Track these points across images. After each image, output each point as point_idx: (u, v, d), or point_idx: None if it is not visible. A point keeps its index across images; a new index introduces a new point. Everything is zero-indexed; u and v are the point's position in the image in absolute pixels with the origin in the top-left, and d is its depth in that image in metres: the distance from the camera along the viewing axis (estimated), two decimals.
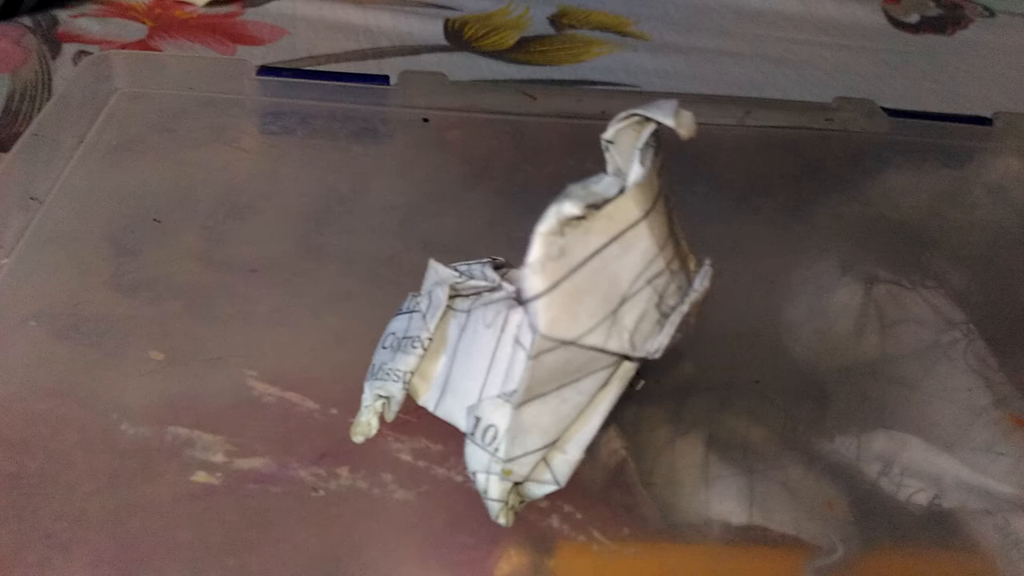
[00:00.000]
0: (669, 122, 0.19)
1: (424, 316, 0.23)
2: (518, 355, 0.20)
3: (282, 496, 0.23)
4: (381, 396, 0.24)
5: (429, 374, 0.23)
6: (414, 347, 0.23)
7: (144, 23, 0.51)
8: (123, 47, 0.48)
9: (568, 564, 0.22)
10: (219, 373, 0.26)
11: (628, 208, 0.18)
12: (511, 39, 0.53)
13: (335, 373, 0.26)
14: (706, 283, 0.20)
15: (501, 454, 0.21)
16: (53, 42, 0.48)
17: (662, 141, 0.20)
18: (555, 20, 0.56)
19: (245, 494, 0.22)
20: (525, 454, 0.21)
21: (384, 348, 0.24)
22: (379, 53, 0.50)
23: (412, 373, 0.23)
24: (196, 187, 0.33)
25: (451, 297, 0.23)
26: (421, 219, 0.33)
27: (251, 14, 0.53)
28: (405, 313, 0.24)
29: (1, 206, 0.30)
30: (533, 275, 0.18)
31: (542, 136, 0.38)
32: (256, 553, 0.22)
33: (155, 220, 0.31)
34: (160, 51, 0.48)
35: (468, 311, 0.23)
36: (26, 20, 0.50)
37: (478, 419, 0.21)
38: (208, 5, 0.53)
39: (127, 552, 0.21)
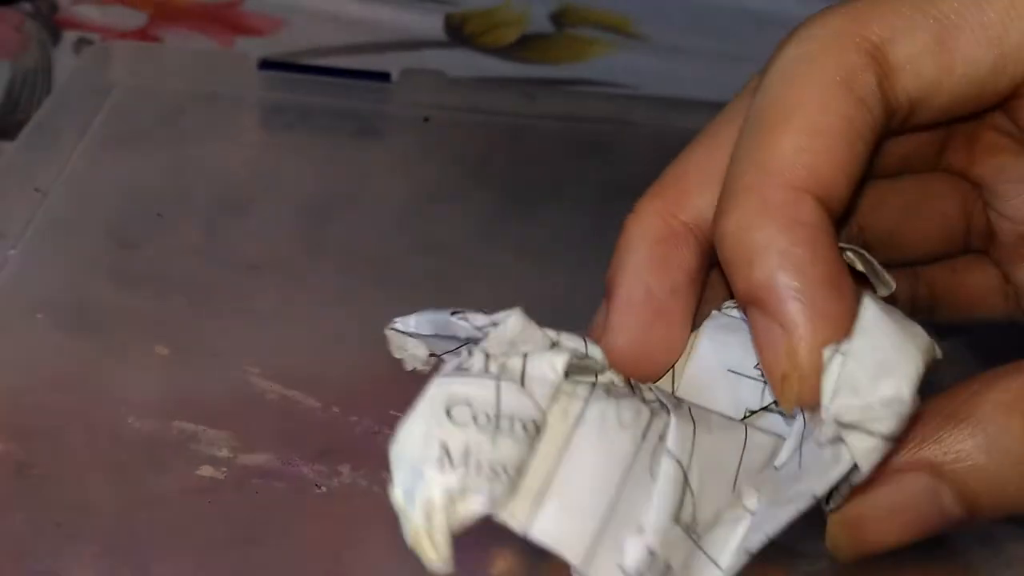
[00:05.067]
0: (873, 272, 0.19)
1: (520, 388, 0.17)
2: (669, 470, 0.17)
3: (285, 492, 0.23)
4: (451, 491, 0.16)
5: (520, 485, 0.16)
6: (525, 430, 0.16)
7: (144, 11, 0.51)
8: (123, 36, 0.48)
9: (564, 566, 0.23)
10: (223, 369, 0.26)
11: None
12: (511, 36, 0.54)
13: (336, 371, 0.26)
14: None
15: None
16: (53, 29, 0.48)
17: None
18: (556, 18, 0.56)
19: (249, 489, 0.23)
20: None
21: (456, 423, 0.16)
22: (379, 47, 0.51)
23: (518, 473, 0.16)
24: (197, 181, 0.33)
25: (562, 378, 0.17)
26: (420, 218, 0.33)
27: (251, 4, 0.53)
28: (480, 377, 0.17)
29: (7, 197, 0.31)
30: None
31: (541, 138, 0.39)
32: (260, 547, 0.22)
33: (158, 215, 0.31)
34: (160, 40, 0.48)
35: (586, 400, 0.17)
36: (26, 6, 0.49)
37: (652, 554, 0.16)
38: None
39: (134, 543, 0.22)
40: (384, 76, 0.39)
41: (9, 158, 0.32)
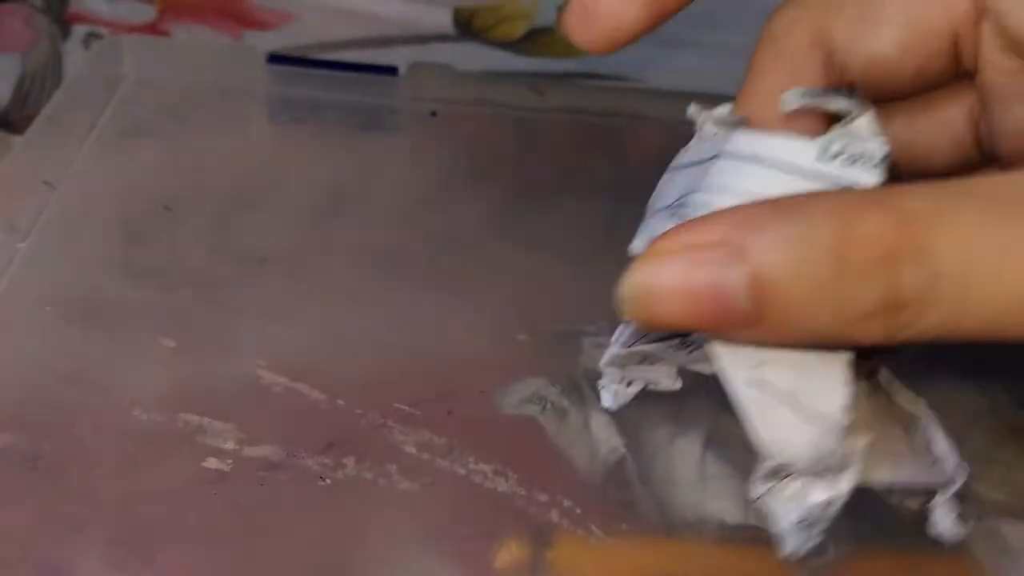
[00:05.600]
0: None
1: None
2: None
3: (290, 484, 0.23)
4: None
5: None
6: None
7: (153, 6, 0.51)
8: (132, 30, 0.48)
9: (566, 556, 0.23)
10: (229, 362, 0.26)
11: None
12: (520, 29, 0.53)
13: (342, 364, 0.27)
14: None
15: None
16: (62, 23, 0.48)
17: None
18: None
19: (255, 481, 0.23)
20: None
21: None
22: (387, 41, 0.51)
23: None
24: (206, 175, 0.33)
25: None
26: (429, 212, 0.33)
27: None
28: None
29: (16, 190, 0.31)
30: None
31: (549, 131, 0.39)
32: (265, 538, 0.22)
33: (166, 208, 0.31)
34: (169, 34, 0.49)
35: None
36: (36, 0, 0.50)
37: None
38: None
39: (140, 534, 0.22)
40: (392, 70, 0.39)
41: (18, 152, 0.33)
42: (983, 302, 0.16)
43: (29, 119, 0.40)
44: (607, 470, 0.25)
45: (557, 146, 0.38)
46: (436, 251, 0.32)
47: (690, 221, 0.17)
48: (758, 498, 0.20)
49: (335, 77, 0.39)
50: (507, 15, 0.55)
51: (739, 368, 0.18)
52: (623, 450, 0.25)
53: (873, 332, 0.16)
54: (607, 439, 0.25)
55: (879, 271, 0.15)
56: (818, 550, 0.22)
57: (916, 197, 0.16)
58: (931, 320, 0.16)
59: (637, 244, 0.21)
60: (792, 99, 0.19)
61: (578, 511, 0.23)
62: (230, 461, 0.23)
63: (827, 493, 0.20)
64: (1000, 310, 0.16)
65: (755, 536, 0.23)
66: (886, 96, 0.22)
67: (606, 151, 0.38)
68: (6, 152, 0.38)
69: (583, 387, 0.26)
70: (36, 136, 0.33)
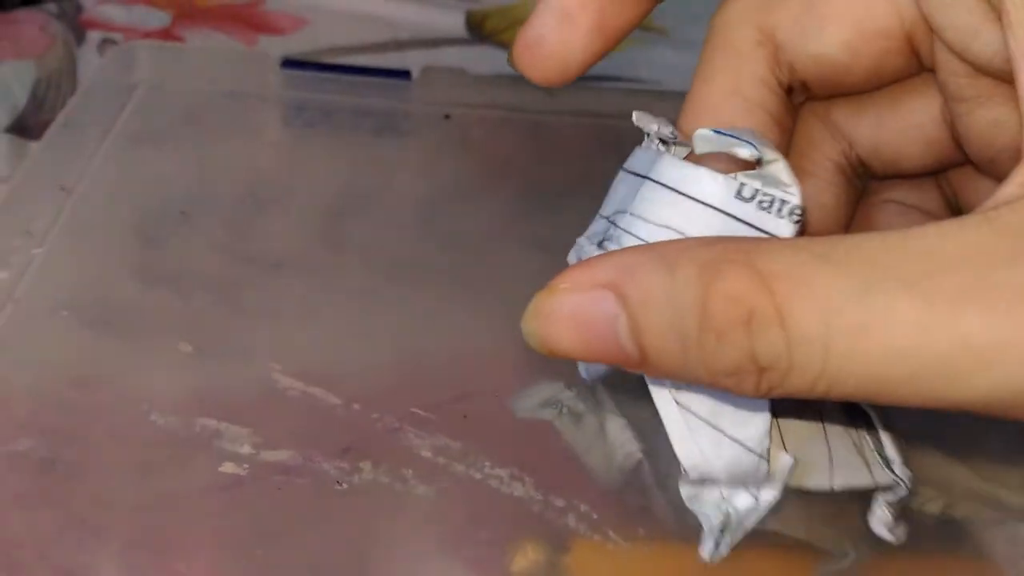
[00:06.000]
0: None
1: None
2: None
3: (307, 488, 0.23)
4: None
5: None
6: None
7: (167, 11, 0.51)
8: (146, 36, 0.49)
9: (583, 561, 0.23)
10: (245, 366, 0.26)
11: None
12: None
13: (358, 368, 0.27)
14: None
15: None
16: (77, 29, 0.49)
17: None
18: None
19: (271, 486, 0.23)
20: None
21: None
22: (400, 45, 0.51)
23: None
24: (221, 180, 0.34)
25: None
26: (442, 215, 0.33)
27: (273, 3, 0.53)
28: None
29: (33, 195, 0.31)
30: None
31: (562, 134, 0.39)
32: (281, 543, 0.22)
33: (181, 212, 0.31)
34: (183, 40, 0.49)
35: None
36: (51, 7, 0.50)
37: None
38: None
39: (158, 539, 0.22)
40: (405, 74, 0.39)
41: (35, 157, 0.33)
42: (848, 372, 0.15)
43: (44, 124, 0.40)
44: (623, 475, 0.24)
45: (570, 149, 0.38)
46: (450, 254, 0.32)
47: (584, 261, 0.17)
48: (688, 500, 0.20)
49: (349, 81, 0.39)
50: (518, 18, 0.55)
51: (662, 386, 0.19)
52: (639, 455, 0.25)
53: (744, 388, 0.16)
54: (623, 444, 0.25)
55: (738, 332, 0.15)
56: (839, 555, 0.22)
57: (777, 258, 0.15)
58: (798, 383, 0.15)
59: (571, 258, 0.21)
60: (701, 143, 0.19)
61: (595, 516, 0.23)
62: (247, 466, 0.23)
63: (747, 503, 0.20)
64: (866, 380, 0.15)
65: (774, 541, 0.23)
66: (843, 92, 0.21)
67: (618, 153, 0.38)
68: (22, 157, 0.38)
69: (599, 391, 0.26)
70: (52, 141, 0.33)
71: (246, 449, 0.24)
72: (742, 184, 0.18)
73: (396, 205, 0.33)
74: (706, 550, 0.20)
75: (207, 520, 0.22)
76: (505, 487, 0.24)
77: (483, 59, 0.50)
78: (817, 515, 0.24)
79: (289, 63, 0.39)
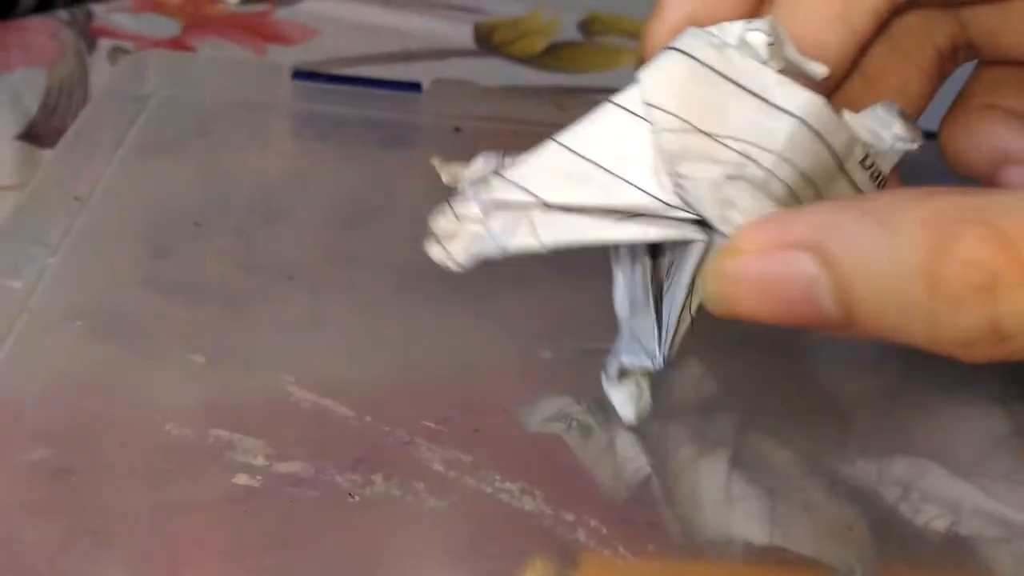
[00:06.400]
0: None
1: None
2: None
3: (319, 500, 0.23)
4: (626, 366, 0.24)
5: None
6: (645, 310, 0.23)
7: (177, 20, 0.52)
8: (157, 44, 0.49)
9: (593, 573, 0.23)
10: (258, 378, 0.26)
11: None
12: (539, 45, 0.54)
13: (369, 380, 0.27)
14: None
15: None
16: (88, 37, 0.49)
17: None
18: (584, 26, 0.56)
19: (284, 497, 0.23)
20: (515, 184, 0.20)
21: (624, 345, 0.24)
22: (408, 56, 0.51)
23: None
24: (232, 190, 0.34)
25: None
26: None
27: (282, 13, 0.53)
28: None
29: (47, 205, 0.31)
30: (690, 38, 0.17)
31: None
32: (294, 555, 0.22)
33: (195, 223, 0.32)
34: (194, 49, 0.49)
35: None
36: (62, 14, 0.50)
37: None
38: (240, 3, 0.54)
39: (170, 549, 0.22)
40: (416, 86, 0.40)
41: (48, 167, 0.33)
42: None
43: (56, 132, 0.40)
44: (632, 489, 0.25)
45: None
46: (456, 270, 0.32)
47: (770, 218, 0.16)
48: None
49: (359, 93, 0.39)
50: (527, 30, 0.55)
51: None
52: (648, 469, 0.25)
53: (974, 356, 0.15)
54: (633, 458, 0.25)
55: (978, 298, 0.14)
56: (846, 572, 0.22)
57: (1017, 217, 0.14)
58: None
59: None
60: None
61: (605, 531, 0.23)
62: (260, 477, 0.24)
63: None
64: None
65: (781, 558, 0.23)
66: None
67: None
68: (34, 166, 0.39)
69: (608, 405, 0.26)
70: (66, 151, 0.34)
71: (259, 460, 0.24)
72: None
73: (406, 217, 0.34)
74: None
75: (219, 531, 0.23)
76: (515, 501, 0.24)
77: (491, 71, 0.50)
78: (825, 533, 0.24)
79: (300, 74, 0.40)
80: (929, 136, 0.39)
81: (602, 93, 0.50)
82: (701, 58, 0.17)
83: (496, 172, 0.18)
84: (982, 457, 0.26)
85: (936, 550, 0.24)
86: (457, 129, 0.38)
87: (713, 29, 0.18)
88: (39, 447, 0.24)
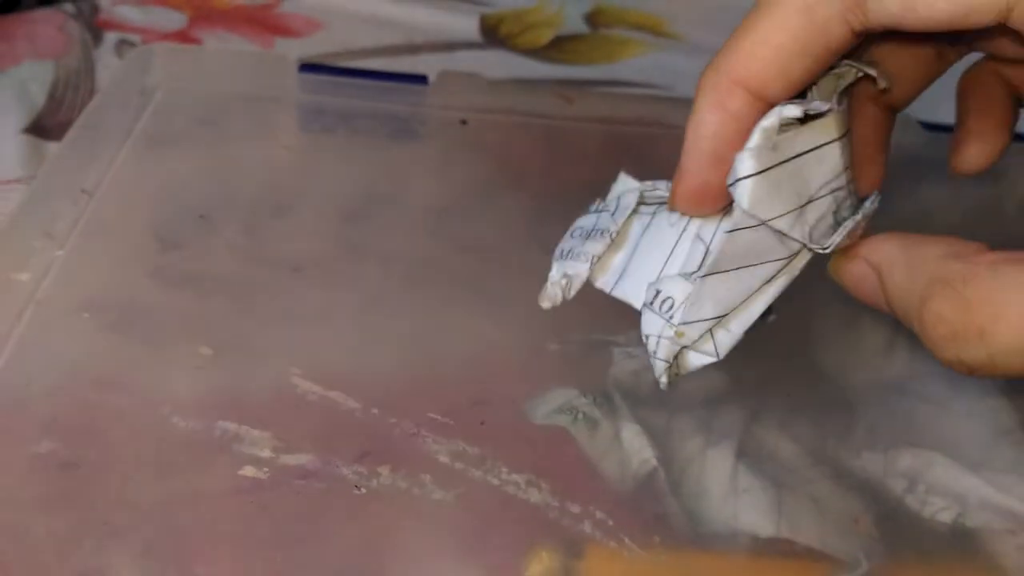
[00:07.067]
0: (872, 72, 0.23)
1: (612, 215, 0.26)
2: (697, 248, 0.24)
3: (326, 492, 0.23)
4: (567, 274, 0.26)
5: (608, 264, 0.26)
6: (602, 236, 0.26)
7: (184, 12, 0.52)
8: (163, 37, 0.49)
9: (598, 568, 0.23)
10: (265, 370, 0.26)
11: (829, 128, 0.22)
12: (546, 37, 0.54)
13: (376, 373, 0.27)
14: (875, 205, 0.23)
15: (676, 319, 0.23)
16: (94, 30, 0.49)
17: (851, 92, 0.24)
18: (591, 18, 0.56)
19: (291, 489, 0.23)
20: (697, 321, 0.23)
21: (572, 237, 0.26)
22: (414, 49, 0.51)
23: (598, 257, 0.26)
24: (239, 183, 0.34)
25: (637, 203, 0.26)
26: (457, 221, 0.33)
27: (288, 6, 0.53)
28: (592, 213, 0.27)
29: (54, 198, 0.31)
30: (749, 159, 0.21)
31: (578, 140, 0.39)
32: (301, 547, 0.22)
33: (201, 216, 0.32)
34: (200, 42, 0.49)
35: (653, 214, 0.26)
36: (68, 7, 0.50)
37: (658, 292, 0.24)
38: None
39: (178, 541, 0.22)
40: (422, 79, 0.40)
41: (56, 160, 0.33)
42: None
43: (63, 125, 0.40)
44: (638, 482, 0.25)
45: (586, 154, 0.38)
46: (466, 259, 0.32)
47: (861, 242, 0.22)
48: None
49: (366, 86, 0.39)
50: (533, 23, 0.55)
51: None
52: (654, 462, 0.25)
53: (960, 371, 0.19)
54: (638, 450, 0.25)
55: (946, 344, 0.19)
56: (852, 564, 0.22)
57: (978, 286, 0.19)
58: (1012, 375, 0.19)
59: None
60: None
61: (610, 523, 0.23)
62: (267, 469, 0.24)
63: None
64: None
65: (787, 550, 0.23)
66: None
67: (634, 159, 0.38)
68: (41, 159, 0.39)
69: (614, 398, 0.26)
70: (73, 144, 0.34)
71: (266, 453, 0.24)
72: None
73: (412, 209, 0.34)
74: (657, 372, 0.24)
75: (227, 523, 0.23)
76: (521, 493, 0.24)
77: (497, 63, 0.50)
78: (831, 524, 0.24)
79: (307, 67, 0.40)
80: (930, 129, 0.40)
81: (608, 86, 0.50)
82: (769, 163, 0.21)
83: (684, 322, 0.23)
84: (989, 449, 0.26)
85: (942, 542, 0.24)
86: (463, 121, 0.38)
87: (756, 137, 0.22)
88: (47, 439, 0.24)
